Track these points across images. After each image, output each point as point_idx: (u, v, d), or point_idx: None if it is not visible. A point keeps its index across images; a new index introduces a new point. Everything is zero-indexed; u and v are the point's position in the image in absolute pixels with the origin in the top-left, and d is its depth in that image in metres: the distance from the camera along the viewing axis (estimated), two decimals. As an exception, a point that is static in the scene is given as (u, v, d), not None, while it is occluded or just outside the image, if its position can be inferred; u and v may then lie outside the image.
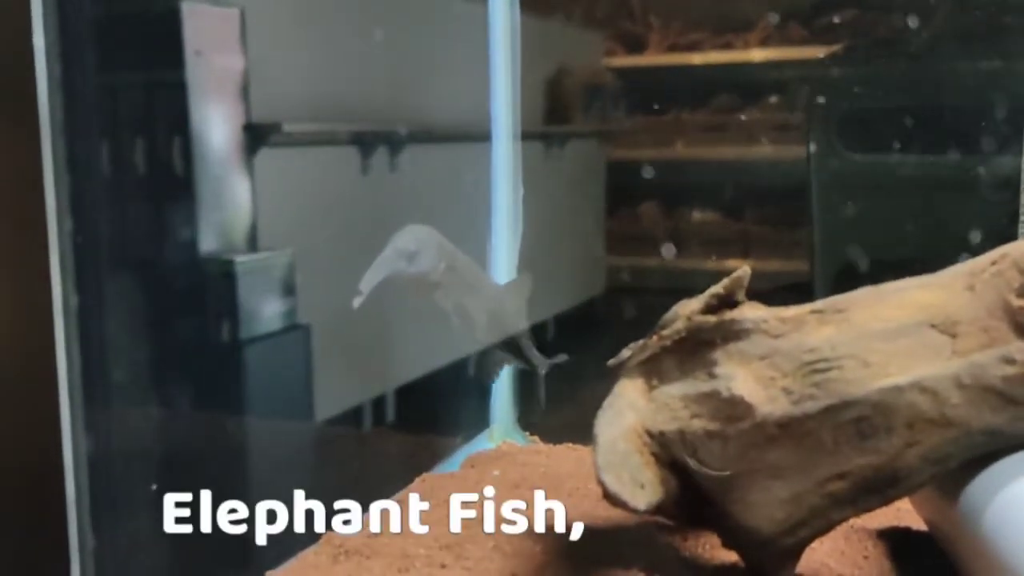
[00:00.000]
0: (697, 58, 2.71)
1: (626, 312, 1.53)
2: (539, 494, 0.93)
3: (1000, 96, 1.35)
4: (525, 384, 1.20)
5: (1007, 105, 1.34)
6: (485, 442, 1.19)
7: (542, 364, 1.06)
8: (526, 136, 1.30)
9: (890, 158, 1.53)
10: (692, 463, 0.74)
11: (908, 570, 0.81)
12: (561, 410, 1.16)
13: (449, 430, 1.19)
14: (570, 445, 1.17)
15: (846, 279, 1.46)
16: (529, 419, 1.22)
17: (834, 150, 1.56)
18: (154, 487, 0.81)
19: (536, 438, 1.20)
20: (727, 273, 1.48)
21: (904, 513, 0.87)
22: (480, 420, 1.20)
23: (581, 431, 1.11)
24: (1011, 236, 0.83)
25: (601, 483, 0.73)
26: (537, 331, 1.09)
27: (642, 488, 0.73)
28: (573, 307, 1.81)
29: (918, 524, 0.87)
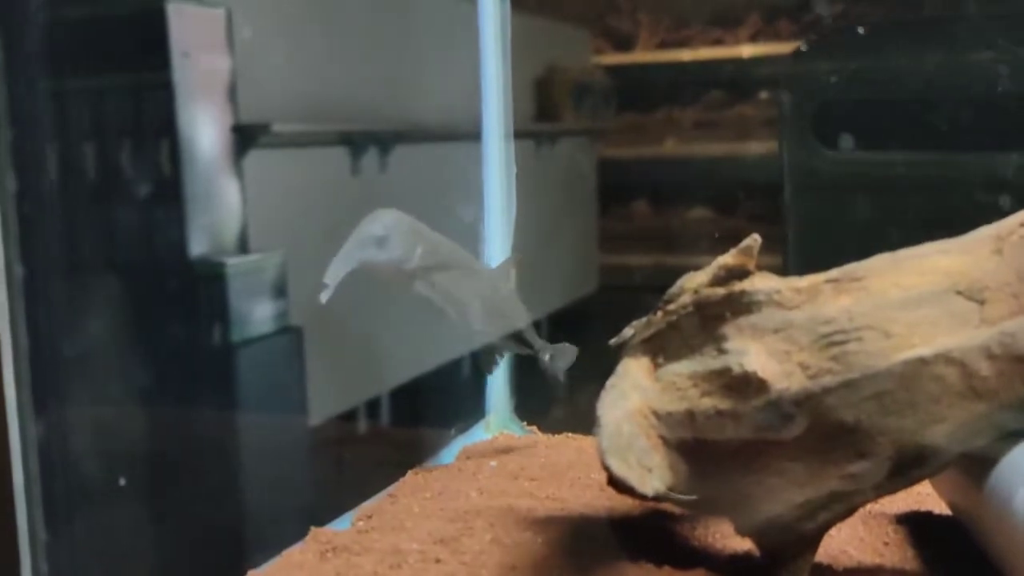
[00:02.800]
0: (686, 55, 2.69)
1: (619, 310, 1.49)
2: (540, 484, 0.89)
3: (982, 90, 1.31)
4: (522, 373, 1.15)
5: (989, 100, 1.31)
6: (481, 433, 1.14)
7: (544, 348, 1.00)
8: (517, 135, 1.27)
9: (868, 155, 1.50)
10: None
11: (931, 555, 0.76)
12: (558, 399, 1.11)
13: (444, 422, 1.14)
14: (569, 435, 1.12)
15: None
16: (529, 408, 1.17)
17: (808, 146, 1.53)
18: (129, 484, 0.76)
19: (534, 428, 1.15)
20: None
21: (925, 497, 0.83)
22: (475, 411, 1.15)
23: (580, 421, 1.07)
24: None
25: (606, 467, 0.68)
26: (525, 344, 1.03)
27: (650, 472, 0.68)
28: (566, 306, 1.78)
29: (940, 508, 0.82)
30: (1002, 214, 0.72)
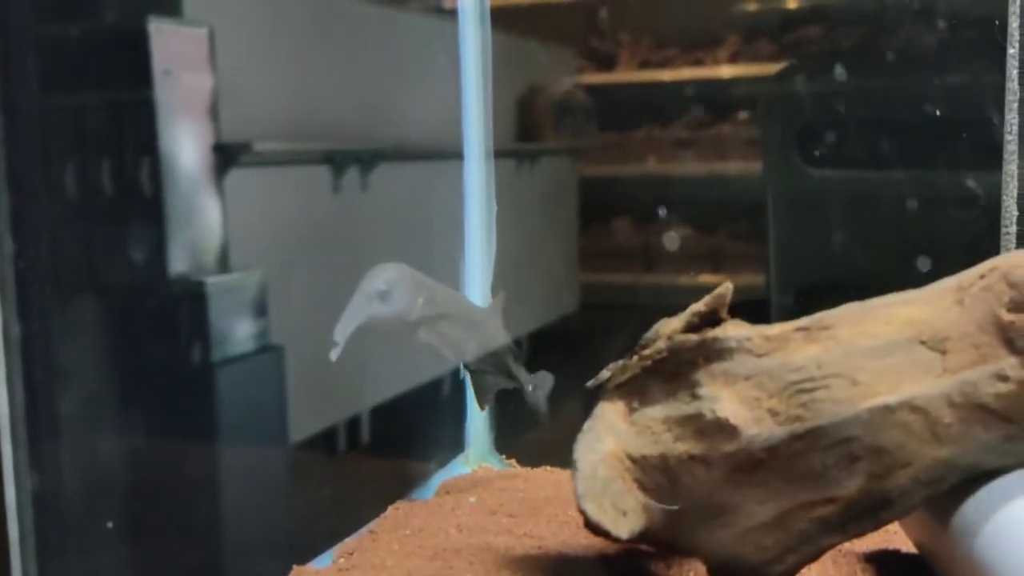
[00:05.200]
0: (667, 74, 2.71)
1: (601, 329, 1.51)
2: (518, 520, 0.90)
3: (965, 111, 1.34)
4: (501, 407, 1.17)
5: (972, 121, 1.33)
6: (460, 466, 1.15)
7: (527, 381, 1.03)
8: (498, 154, 1.28)
9: (850, 174, 1.52)
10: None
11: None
12: (537, 431, 1.13)
13: (423, 454, 1.16)
14: (548, 468, 1.14)
15: (803, 296, 1.45)
16: (508, 441, 1.19)
17: (791, 165, 1.55)
18: (110, 524, 0.77)
19: (513, 461, 1.17)
20: (701, 288, 1.45)
21: (893, 536, 0.85)
22: (455, 444, 1.17)
23: (558, 453, 1.09)
24: (974, 255, 0.82)
25: (582, 511, 0.70)
26: (511, 350, 1.05)
27: (624, 516, 0.70)
28: (547, 325, 1.79)
29: (908, 547, 0.84)
30: (981, 231, 0.74)
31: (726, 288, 0.75)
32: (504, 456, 1.18)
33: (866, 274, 1.37)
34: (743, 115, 2.64)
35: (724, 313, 0.76)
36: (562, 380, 1.10)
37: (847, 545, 0.84)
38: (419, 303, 0.90)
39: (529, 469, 1.14)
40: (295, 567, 0.84)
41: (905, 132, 1.45)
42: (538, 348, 1.40)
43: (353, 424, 1.26)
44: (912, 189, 1.45)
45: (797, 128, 1.59)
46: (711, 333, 0.75)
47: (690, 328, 0.76)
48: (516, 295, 1.12)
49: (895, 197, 1.46)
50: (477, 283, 1.20)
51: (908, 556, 0.84)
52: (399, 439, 1.27)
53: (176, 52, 1.10)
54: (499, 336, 1.03)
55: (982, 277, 0.71)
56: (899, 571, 0.82)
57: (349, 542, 0.91)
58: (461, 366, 1.03)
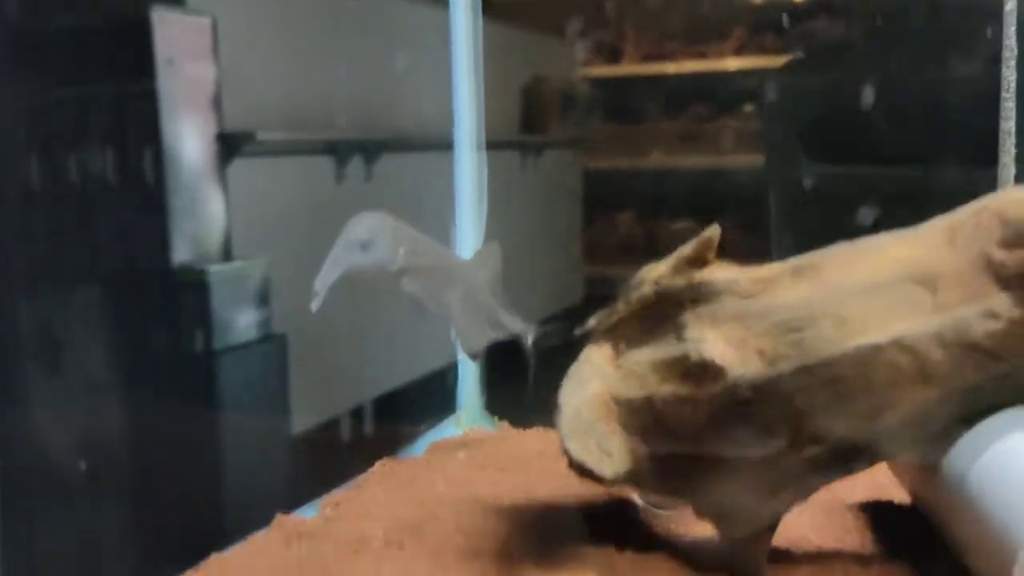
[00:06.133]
0: (672, 67, 2.70)
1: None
2: (507, 474, 0.90)
3: (966, 104, 1.33)
4: (493, 368, 1.16)
5: (973, 114, 1.32)
6: (452, 429, 1.14)
7: (526, 330, 1.01)
8: (501, 145, 1.28)
9: (853, 168, 1.51)
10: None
11: (890, 542, 0.77)
12: (531, 395, 1.12)
13: (414, 417, 1.15)
14: (541, 429, 1.12)
15: None
16: (500, 403, 1.18)
17: (793, 159, 1.54)
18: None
19: (506, 423, 1.16)
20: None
21: (886, 486, 0.83)
22: (446, 406, 1.16)
23: (551, 417, 1.08)
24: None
25: (566, 451, 0.69)
26: (515, 342, 1.03)
27: (609, 456, 0.69)
28: (551, 317, 1.78)
29: (901, 496, 0.83)
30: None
31: (714, 231, 0.74)
32: (496, 417, 1.17)
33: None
34: (747, 107, 2.63)
35: (711, 256, 0.75)
36: (557, 364, 1.10)
37: (840, 495, 0.83)
38: (401, 253, 0.88)
39: (521, 430, 1.13)
40: (278, 515, 0.83)
41: (909, 126, 1.44)
42: (542, 339, 1.39)
43: (356, 412, 1.25)
44: (915, 183, 1.44)
45: (800, 122, 1.58)
46: (698, 276, 0.74)
47: (677, 271, 0.75)
48: (520, 287, 1.11)
49: (897, 191, 1.45)
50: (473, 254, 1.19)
51: (901, 506, 0.83)
52: (393, 409, 1.26)
53: (179, 41, 1.10)
54: (487, 286, 1.01)
55: (974, 215, 0.70)
56: (892, 521, 0.81)
57: (335, 493, 0.90)
58: (451, 329, 1.01)
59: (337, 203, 1.36)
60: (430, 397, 1.23)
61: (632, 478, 0.71)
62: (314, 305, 0.83)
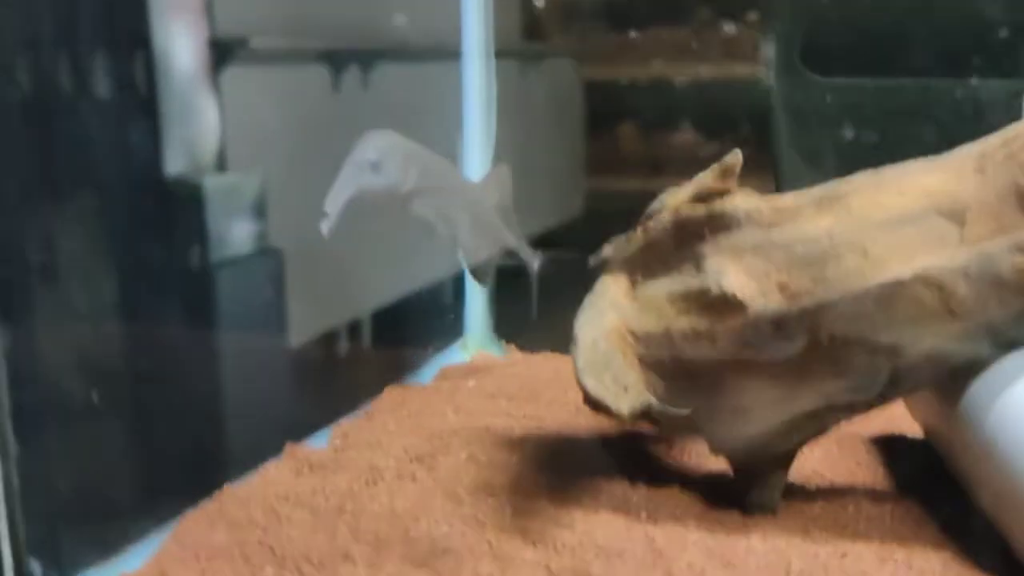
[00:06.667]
0: (674, -24, 2.63)
1: (605, 235, 1.49)
2: (517, 403, 0.89)
3: (979, 16, 1.29)
4: (501, 291, 1.15)
5: (986, 26, 1.29)
6: (459, 352, 1.13)
7: (532, 257, 1.00)
8: (501, 54, 1.24)
9: (857, 81, 1.47)
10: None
11: (902, 475, 0.77)
12: (540, 322, 1.11)
13: (422, 341, 1.14)
14: (548, 354, 1.12)
15: None
16: (509, 326, 1.17)
17: (797, 72, 1.50)
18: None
19: (513, 347, 1.15)
20: None
21: (899, 419, 0.83)
22: (453, 330, 1.15)
23: (559, 342, 1.07)
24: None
25: (582, 386, 0.68)
26: (514, 255, 1.02)
27: (626, 391, 0.68)
28: (551, 230, 1.76)
29: (913, 430, 0.82)
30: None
31: (735, 157, 0.72)
32: (504, 342, 1.16)
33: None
34: (751, 16, 2.57)
35: (732, 184, 0.72)
36: (565, 288, 1.08)
37: (852, 428, 0.82)
38: (412, 174, 0.85)
39: (529, 355, 1.13)
40: (288, 444, 0.82)
41: (914, 39, 1.40)
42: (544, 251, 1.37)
43: (354, 327, 1.24)
44: (919, 96, 1.41)
45: (804, 33, 1.54)
46: (718, 204, 0.72)
47: (697, 199, 0.73)
48: (520, 199, 1.09)
49: (904, 104, 1.42)
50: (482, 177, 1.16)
51: (913, 440, 0.82)
52: (397, 329, 1.25)
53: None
54: (496, 210, 0.99)
55: (1005, 144, 0.68)
56: (903, 453, 0.80)
57: (344, 423, 0.89)
58: (459, 252, 1.00)
59: (335, 114, 1.32)
60: (434, 312, 1.22)
61: (648, 414, 0.70)
62: (324, 227, 0.79)
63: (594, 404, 0.68)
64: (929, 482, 0.75)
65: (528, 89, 2.11)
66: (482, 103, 1.16)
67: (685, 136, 2.43)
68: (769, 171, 1.60)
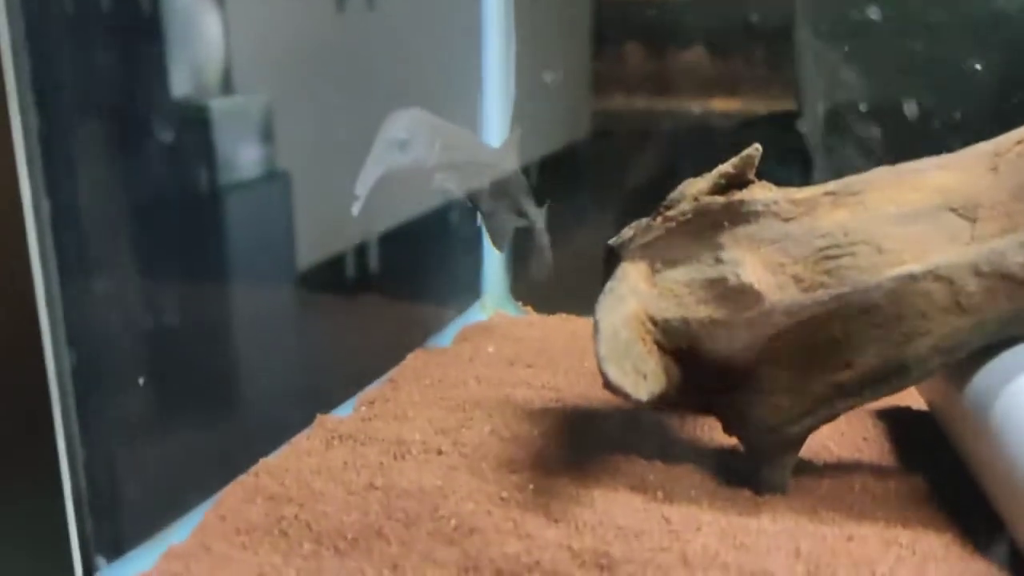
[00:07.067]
0: None
1: (610, 156, 1.48)
2: (536, 371, 0.92)
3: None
4: (518, 252, 1.17)
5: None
6: (478, 312, 1.16)
7: (538, 216, 1.04)
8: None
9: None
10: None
11: (908, 451, 0.80)
12: (552, 277, 1.12)
13: (441, 300, 1.16)
14: (563, 316, 1.15)
15: (834, 122, 1.37)
16: (524, 287, 1.19)
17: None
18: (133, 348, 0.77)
19: (529, 308, 1.18)
20: (714, 113, 1.41)
21: (905, 394, 0.86)
22: (472, 290, 1.17)
23: (572, 299, 1.10)
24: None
25: (603, 374, 0.70)
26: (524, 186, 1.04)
27: (644, 379, 0.71)
28: (557, 151, 1.71)
29: (919, 404, 0.86)
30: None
31: (755, 150, 0.74)
32: (520, 303, 1.19)
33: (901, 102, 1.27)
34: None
35: (751, 175, 0.74)
36: (571, 209, 1.10)
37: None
38: (436, 148, 0.89)
39: (545, 316, 1.16)
40: (318, 416, 0.86)
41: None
42: (548, 174, 1.37)
43: (361, 251, 1.20)
44: (946, 11, 1.36)
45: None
46: (738, 195, 0.74)
47: (716, 190, 0.75)
48: (525, 120, 1.10)
49: (930, 18, 1.37)
50: (496, 108, 1.17)
51: (918, 413, 0.86)
52: (414, 283, 1.25)
53: None
54: (512, 174, 1.02)
55: (1019, 143, 0.70)
56: (910, 427, 0.84)
57: (370, 391, 0.93)
58: (477, 213, 1.02)
59: (341, 33, 1.29)
60: (445, 231, 1.22)
61: (665, 398, 0.73)
62: (355, 208, 0.83)
63: (614, 390, 0.71)
64: (933, 457, 0.78)
65: (532, 4, 2.03)
66: (500, 20, 1.15)
67: (695, 55, 2.40)
68: (781, 89, 1.57)
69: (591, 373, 0.93)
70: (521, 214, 1.03)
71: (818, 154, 1.28)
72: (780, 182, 0.76)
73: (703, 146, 1.37)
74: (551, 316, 1.15)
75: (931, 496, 0.73)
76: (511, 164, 1.02)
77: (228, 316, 0.99)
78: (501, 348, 1.02)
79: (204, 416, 0.83)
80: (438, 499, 0.71)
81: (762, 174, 0.76)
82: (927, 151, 0.76)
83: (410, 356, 1.00)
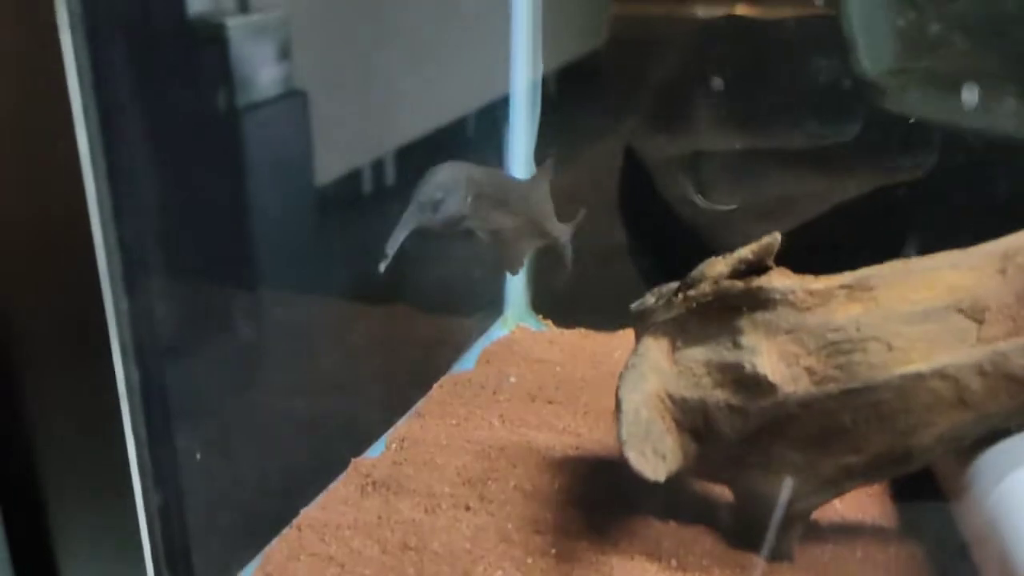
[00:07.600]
0: None
1: (629, 66, 1.45)
2: (556, 410, 0.96)
3: None
4: (538, 266, 1.20)
5: None
6: (500, 328, 1.20)
7: (564, 233, 1.06)
8: None
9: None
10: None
11: (908, 508, 0.86)
12: (573, 290, 1.14)
13: (466, 321, 1.19)
14: (582, 331, 1.19)
15: None
16: (544, 300, 1.22)
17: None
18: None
19: (549, 322, 1.22)
20: (733, 17, 1.36)
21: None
22: (495, 307, 1.20)
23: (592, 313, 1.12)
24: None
25: (625, 458, 0.75)
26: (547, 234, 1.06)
27: (663, 460, 0.76)
28: (571, 62, 1.66)
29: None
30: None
31: (774, 238, 0.77)
32: (540, 316, 1.23)
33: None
34: None
35: (770, 261, 0.78)
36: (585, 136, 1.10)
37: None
38: (468, 202, 0.91)
39: (564, 331, 1.20)
40: (353, 460, 0.91)
41: None
42: (562, 88, 1.35)
43: (378, 166, 1.20)
44: None
45: None
46: (756, 282, 0.77)
47: (736, 274, 0.78)
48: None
49: None
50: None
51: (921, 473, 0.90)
52: (439, 300, 1.25)
53: None
54: (543, 205, 1.04)
55: (1026, 248, 0.73)
56: (910, 485, 0.88)
57: (400, 427, 0.98)
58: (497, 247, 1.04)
59: None
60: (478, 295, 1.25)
61: (680, 472, 0.78)
62: (382, 266, 0.85)
63: (634, 473, 0.76)
64: (932, 518, 0.83)
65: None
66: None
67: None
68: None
69: (608, 410, 0.97)
70: (543, 235, 1.05)
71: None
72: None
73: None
74: (570, 331, 1.19)
75: (929, 563, 0.78)
76: (542, 197, 1.04)
77: (245, 225, 0.98)
78: (523, 376, 1.06)
79: (251, 469, 0.87)
80: (468, 563, 0.77)
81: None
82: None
83: (435, 387, 1.05)
